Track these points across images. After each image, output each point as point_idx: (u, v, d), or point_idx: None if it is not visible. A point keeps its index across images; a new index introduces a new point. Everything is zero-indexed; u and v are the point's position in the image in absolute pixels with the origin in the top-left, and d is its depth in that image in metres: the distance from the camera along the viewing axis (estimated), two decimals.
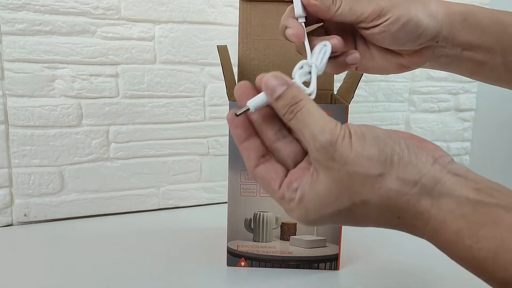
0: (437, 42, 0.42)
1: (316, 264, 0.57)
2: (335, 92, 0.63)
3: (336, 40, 0.39)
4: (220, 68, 0.77)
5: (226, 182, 0.56)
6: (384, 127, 0.99)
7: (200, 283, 0.54)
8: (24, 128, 0.68)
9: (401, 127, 0.92)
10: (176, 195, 0.78)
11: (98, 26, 0.69)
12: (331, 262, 0.57)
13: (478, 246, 0.30)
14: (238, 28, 0.62)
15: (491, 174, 1.03)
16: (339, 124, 0.32)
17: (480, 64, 0.43)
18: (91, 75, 0.70)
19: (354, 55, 0.41)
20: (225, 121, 0.79)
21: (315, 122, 0.32)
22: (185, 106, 0.76)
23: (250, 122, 0.35)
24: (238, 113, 0.34)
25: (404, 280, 0.54)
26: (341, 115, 0.52)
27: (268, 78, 0.33)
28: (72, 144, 0.71)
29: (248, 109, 0.34)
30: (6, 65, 0.66)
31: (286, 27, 0.41)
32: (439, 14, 0.40)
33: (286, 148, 0.35)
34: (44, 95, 0.68)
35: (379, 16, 0.39)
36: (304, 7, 0.40)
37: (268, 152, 0.36)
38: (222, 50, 0.53)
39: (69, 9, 0.67)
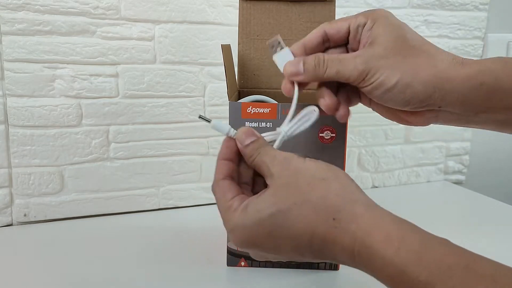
0: (439, 107, 0.40)
1: (316, 264, 0.57)
2: None
3: (329, 101, 0.42)
4: (220, 68, 0.77)
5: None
6: (384, 127, 0.99)
7: (200, 283, 0.54)
8: (24, 128, 0.68)
9: (401, 127, 0.92)
10: (176, 195, 0.78)
11: (98, 26, 0.69)
12: (331, 262, 0.57)
13: (405, 247, 0.31)
14: (237, 27, 0.62)
15: (491, 174, 1.03)
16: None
17: (503, 122, 0.40)
18: (91, 75, 0.70)
19: (341, 113, 0.43)
20: (226, 121, 0.79)
21: (274, 152, 0.38)
22: (185, 106, 0.76)
23: (238, 152, 0.40)
24: (200, 116, 0.43)
25: None
26: None
27: (239, 132, 0.40)
28: (72, 144, 0.71)
29: (209, 121, 0.43)
30: (6, 65, 0.66)
31: (320, 98, 0.43)
32: (432, 81, 0.38)
33: (247, 191, 0.40)
34: (44, 95, 0.68)
35: (364, 80, 0.39)
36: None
37: (236, 180, 0.40)
38: (226, 49, 0.53)
39: (69, 9, 0.67)
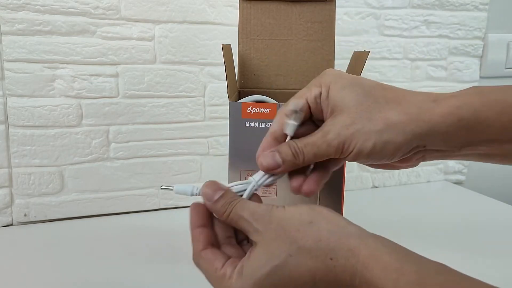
0: (424, 147, 0.39)
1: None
2: None
3: (296, 184, 0.41)
4: (220, 68, 0.77)
5: (226, 182, 0.56)
6: None
7: (201, 283, 0.54)
8: (24, 128, 0.68)
9: None
10: (176, 195, 0.78)
11: (98, 26, 0.69)
12: None
13: (404, 278, 0.30)
14: (237, 27, 0.62)
15: (490, 174, 1.04)
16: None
17: (486, 155, 0.39)
18: (91, 75, 0.70)
19: (305, 188, 0.40)
20: (226, 121, 0.79)
21: (250, 206, 0.36)
22: (185, 106, 0.76)
23: (209, 213, 0.39)
24: (163, 187, 0.41)
25: None
26: None
27: (203, 189, 0.38)
28: (72, 144, 0.71)
29: (172, 189, 0.40)
30: (6, 65, 0.66)
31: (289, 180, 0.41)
32: (409, 129, 0.37)
33: (231, 250, 0.38)
34: (44, 95, 0.68)
35: (343, 152, 0.38)
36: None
37: (216, 244, 0.38)
38: (226, 50, 0.53)
39: (69, 9, 0.67)
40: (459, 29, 0.92)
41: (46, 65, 0.68)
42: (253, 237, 0.35)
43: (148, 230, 0.69)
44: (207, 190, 0.38)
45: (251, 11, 0.62)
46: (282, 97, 0.62)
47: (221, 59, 0.76)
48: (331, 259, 0.33)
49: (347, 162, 0.46)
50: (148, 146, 0.75)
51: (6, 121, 0.67)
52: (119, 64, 0.71)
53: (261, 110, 0.51)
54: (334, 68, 0.63)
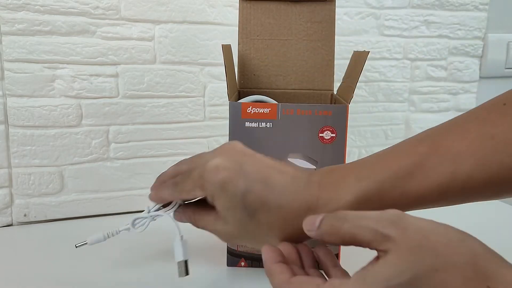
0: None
1: (317, 263, 0.57)
2: (335, 92, 0.63)
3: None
4: (219, 68, 0.77)
5: None
6: (384, 127, 0.99)
7: (201, 283, 0.54)
8: (24, 128, 0.68)
9: (401, 127, 0.92)
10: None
11: (98, 26, 0.69)
12: None
13: None
14: (237, 27, 0.62)
15: None
16: None
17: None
18: (91, 75, 0.70)
19: None
20: (225, 121, 0.79)
21: (369, 213, 0.32)
22: (185, 106, 0.76)
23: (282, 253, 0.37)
24: (77, 245, 0.47)
25: None
26: (341, 115, 0.52)
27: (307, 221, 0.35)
28: (72, 144, 0.71)
29: (86, 243, 0.47)
30: (6, 65, 0.66)
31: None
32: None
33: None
34: (44, 95, 0.68)
35: None
36: None
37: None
38: (226, 49, 0.53)
39: (69, 9, 0.67)
40: (459, 29, 0.92)
41: (46, 65, 0.68)
42: (381, 245, 0.31)
43: (148, 230, 0.69)
44: (308, 222, 0.35)
45: (251, 11, 0.62)
46: (282, 97, 0.62)
47: (221, 59, 0.76)
48: (488, 287, 0.29)
49: (347, 162, 0.47)
50: (148, 146, 0.75)
51: (6, 121, 0.67)
52: (119, 64, 0.71)
53: (261, 110, 0.51)
54: (333, 67, 0.63)
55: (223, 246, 0.59)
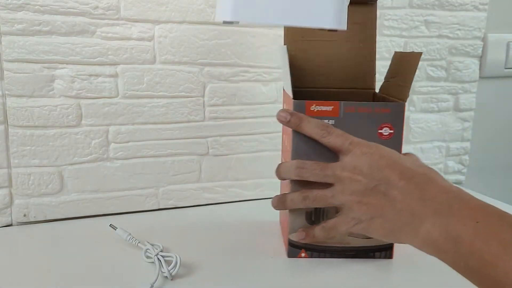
0: None
1: (372, 253, 0.59)
2: (376, 91, 0.65)
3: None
4: (219, 68, 0.77)
5: (226, 182, 0.56)
6: None
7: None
8: (23, 128, 0.68)
9: None
10: (175, 195, 0.78)
11: (97, 26, 0.69)
12: (386, 251, 0.59)
13: None
14: (283, 29, 0.63)
15: (491, 174, 1.03)
16: None
17: None
18: (90, 75, 0.70)
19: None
20: (225, 121, 0.79)
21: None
22: (185, 106, 0.76)
23: None
24: (111, 224, 0.64)
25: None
26: (399, 113, 0.55)
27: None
28: (71, 144, 0.71)
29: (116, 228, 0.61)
30: (6, 65, 0.66)
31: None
32: None
33: None
34: (44, 95, 0.68)
35: None
36: None
37: None
38: (284, 51, 0.56)
39: (68, 9, 0.67)
40: (459, 29, 0.92)
41: (45, 65, 0.68)
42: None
43: (148, 230, 0.69)
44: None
45: None
46: (327, 96, 0.64)
47: (220, 59, 0.76)
48: None
49: None
50: (148, 146, 0.75)
51: (5, 121, 0.67)
52: (118, 64, 0.71)
53: (324, 108, 0.54)
54: (375, 67, 0.65)
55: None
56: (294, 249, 0.59)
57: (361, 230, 0.48)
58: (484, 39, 0.95)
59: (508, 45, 0.97)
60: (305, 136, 0.53)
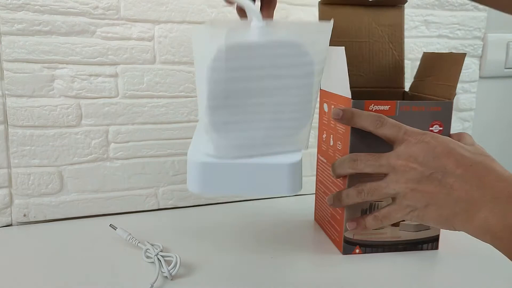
0: None
1: (420, 245, 0.62)
2: (406, 90, 0.67)
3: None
4: None
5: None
6: None
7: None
8: (23, 128, 0.68)
9: None
10: (176, 195, 0.78)
11: (97, 26, 0.69)
12: (432, 242, 0.62)
13: None
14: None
15: None
16: None
17: None
18: (90, 75, 0.70)
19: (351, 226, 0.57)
20: None
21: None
22: (185, 106, 0.76)
23: None
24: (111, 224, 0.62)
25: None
26: (448, 111, 0.58)
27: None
28: (71, 144, 0.71)
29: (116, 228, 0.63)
30: (6, 65, 0.66)
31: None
32: None
33: None
34: (44, 95, 0.68)
35: None
36: None
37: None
38: (342, 52, 0.57)
39: (68, 9, 0.67)
40: (459, 29, 0.92)
41: (45, 65, 0.68)
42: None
43: (148, 230, 0.69)
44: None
45: (330, 14, 0.64)
46: (362, 95, 0.65)
47: None
48: None
49: None
50: (148, 146, 0.75)
51: (5, 121, 0.67)
52: (118, 64, 0.71)
53: (382, 107, 0.56)
54: (404, 67, 0.68)
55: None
56: (349, 245, 0.61)
57: (415, 218, 0.48)
58: (484, 39, 0.95)
59: (508, 45, 0.97)
60: (359, 133, 0.54)
